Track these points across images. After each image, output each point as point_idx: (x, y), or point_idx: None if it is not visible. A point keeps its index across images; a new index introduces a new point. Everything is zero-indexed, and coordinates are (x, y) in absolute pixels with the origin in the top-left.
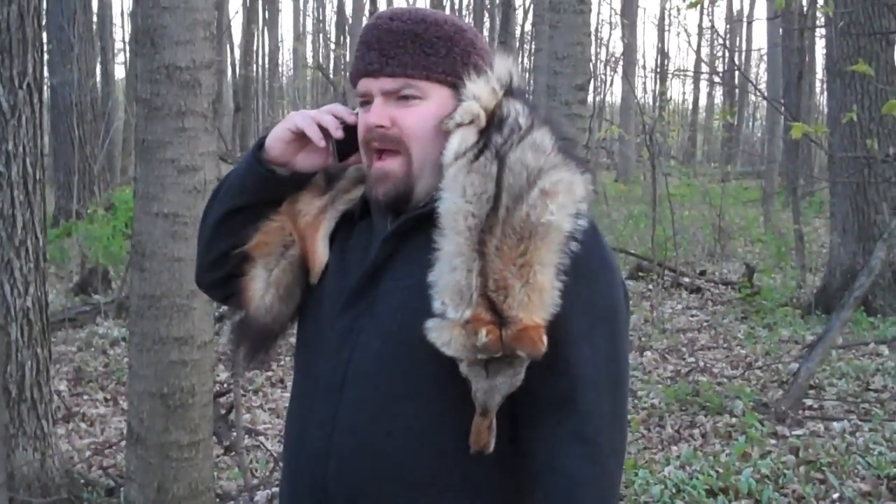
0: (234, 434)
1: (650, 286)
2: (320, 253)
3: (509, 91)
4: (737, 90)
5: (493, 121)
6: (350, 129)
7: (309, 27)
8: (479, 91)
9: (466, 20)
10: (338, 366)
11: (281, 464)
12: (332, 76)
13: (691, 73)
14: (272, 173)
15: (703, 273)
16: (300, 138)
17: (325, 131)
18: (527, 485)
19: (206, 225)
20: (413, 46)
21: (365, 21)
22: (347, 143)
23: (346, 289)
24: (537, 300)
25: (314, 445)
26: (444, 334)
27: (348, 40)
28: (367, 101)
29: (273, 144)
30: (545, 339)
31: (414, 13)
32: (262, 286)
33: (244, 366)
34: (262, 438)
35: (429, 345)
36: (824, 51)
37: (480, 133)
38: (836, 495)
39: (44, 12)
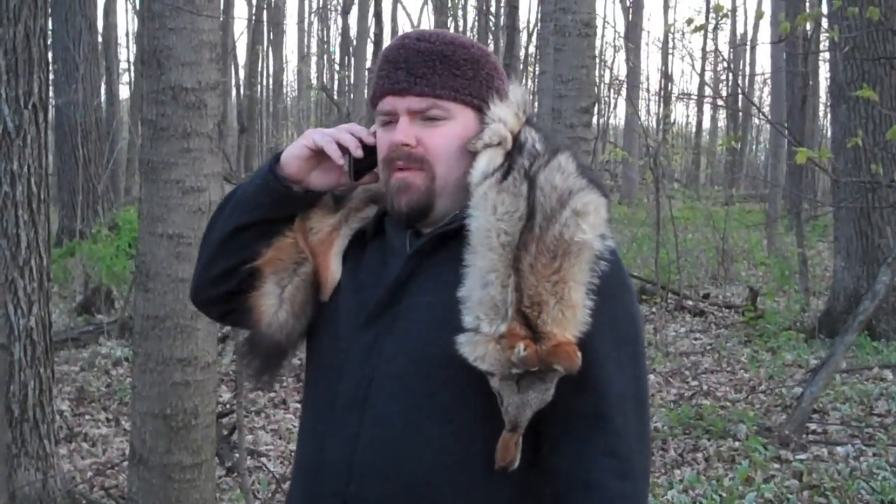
0: (237, 455)
1: (654, 309)
2: (333, 270)
3: (526, 118)
4: (740, 114)
5: (515, 144)
6: (367, 149)
7: (313, 48)
8: (504, 114)
9: None
10: (360, 382)
11: (286, 483)
12: (336, 97)
13: (695, 97)
14: (288, 189)
15: (706, 296)
16: (317, 156)
17: (343, 150)
18: (554, 501)
19: (210, 240)
20: (441, 67)
21: (371, 42)
22: (362, 163)
23: (366, 305)
24: (570, 316)
25: (335, 462)
26: (477, 349)
27: (352, 62)
28: (390, 120)
29: (289, 161)
30: (580, 354)
31: (441, 35)
32: (275, 302)
33: (254, 383)
34: (264, 460)
35: (453, 361)
36: (828, 75)
37: (506, 156)
38: None
39: (49, 33)
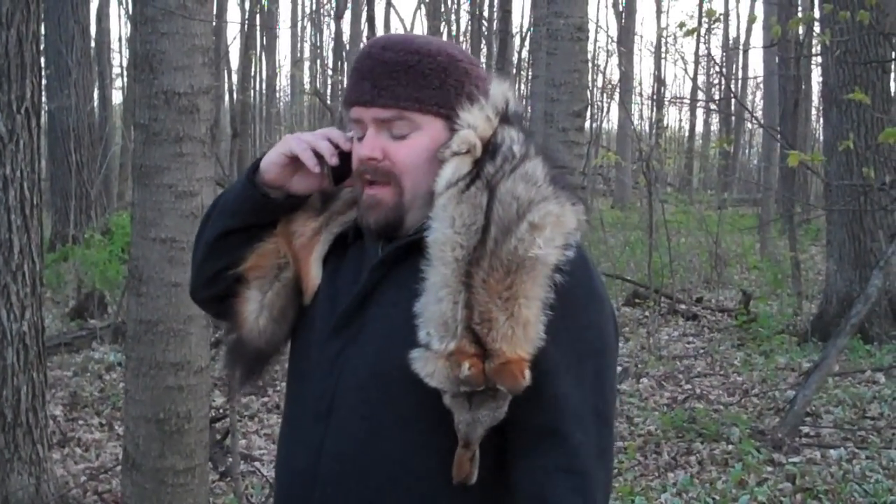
0: (230, 460)
1: (646, 313)
2: (314, 275)
3: (504, 117)
4: (733, 118)
5: (488, 148)
6: (345, 155)
7: (306, 53)
8: (474, 120)
9: (464, 47)
10: (325, 393)
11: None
12: (329, 102)
13: (688, 101)
14: (266, 197)
15: (699, 300)
16: (295, 162)
17: (320, 157)
18: None
19: (199, 244)
20: (406, 78)
21: (362, 45)
22: (343, 167)
23: (335, 314)
24: (521, 334)
25: (301, 471)
26: (428, 365)
27: (345, 66)
28: (360, 129)
29: (268, 168)
30: (528, 373)
31: (407, 43)
32: (256, 308)
33: (239, 388)
34: (257, 464)
35: (410, 374)
36: (820, 79)
37: (475, 163)
38: None
39: (42, 37)
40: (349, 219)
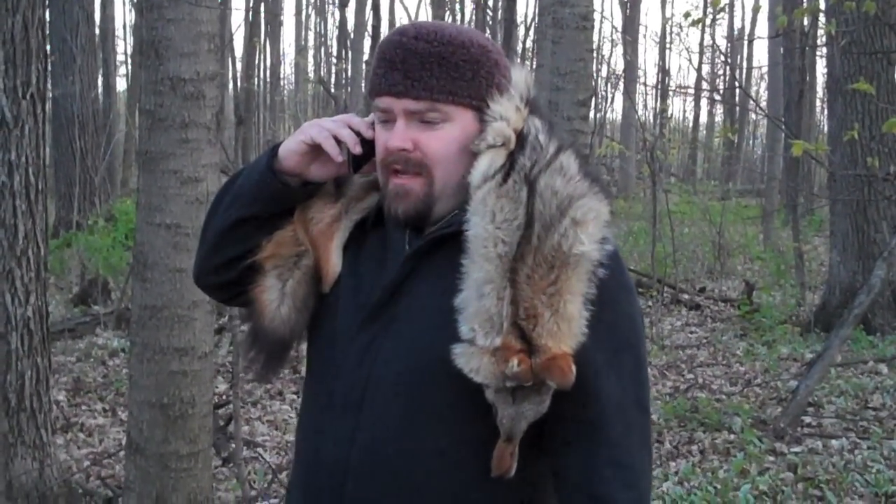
0: (233, 445)
1: (650, 303)
2: (334, 263)
3: (529, 106)
4: (737, 108)
5: (518, 140)
6: (366, 142)
7: (311, 41)
8: (506, 111)
9: None
10: (356, 383)
11: (282, 474)
12: (333, 90)
13: (692, 91)
14: (286, 185)
15: (702, 290)
16: (315, 150)
17: (340, 145)
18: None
19: (211, 229)
20: (439, 70)
21: (368, 35)
22: (362, 154)
23: (364, 304)
24: (566, 329)
25: (331, 462)
26: (472, 361)
27: (350, 55)
28: (387, 119)
29: (287, 156)
30: (574, 368)
31: (440, 33)
32: (277, 297)
33: (258, 377)
34: (260, 450)
35: (450, 365)
36: (825, 69)
37: (508, 155)
38: None
39: (47, 24)
40: (368, 205)
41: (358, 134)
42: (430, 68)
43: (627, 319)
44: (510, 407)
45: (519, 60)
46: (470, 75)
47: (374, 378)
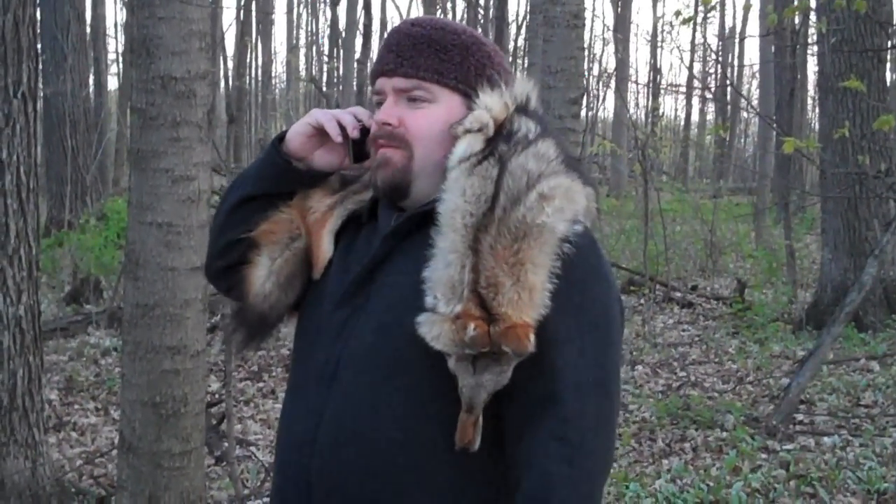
0: (226, 444)
1: (642, 301)
2: (324, 248)
3: (523, 109)
4: (729, 106)
5: (502, 132)
6: (367, 132)
7: (302, 40)
8: (491, 103)
9: None
10: (330, 358)
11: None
12: (324, 88)
13: (684, 89)
14: (289, 164)
15: (694, 288)
16: (320, 134)
17: (343, 130)
18: (512, 484)
19: (220, 212)
20: (428, 51)
21: (360, 34)
22: (364, 147)
23: (345, 283)
24: (527, 299)
25: (300, 436)
26: (434, 328)
27: (341, 53)
28: (381, 100)
29: (293, 137)
30: (533, 338)
31: (436, 21)
32: (264, 274)
33: (238, 352)
34: (253, 449)
35: (419, 339)
36: (816, 68)
37: (487, 142)
38: None
39: (38, 23)
40: (365, 198)
41: (360, 122)
42: (420, 49)
43: (598, 303)
44: (470, 377)
45: (511, 59)
46: (458, 59)
47: (346, 354)
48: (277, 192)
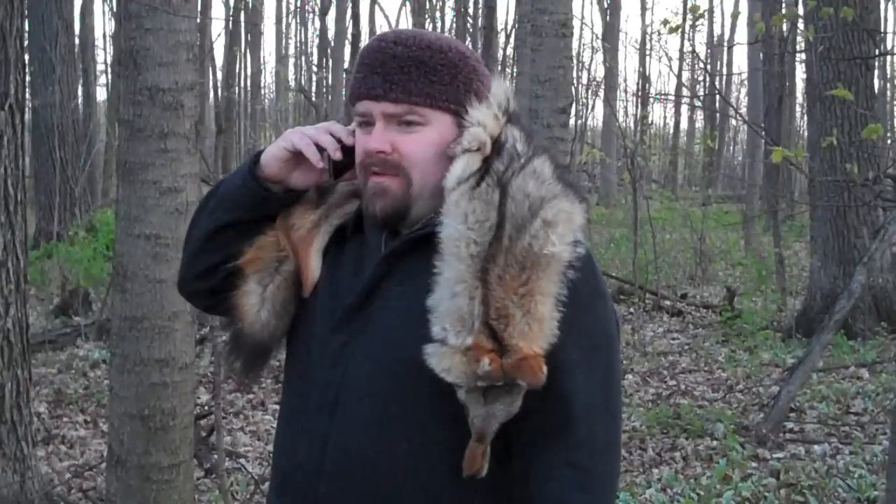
0: (215, 457)
1: (631, 309)
2: (313, 267)
3: (508, 116)
4: (718, 114)
5: (495, 146)
6: (346, 149)
7: (291, 50)
8: (483, 118)
9: None
10: (330, 384)
11: (264, 484)
12: (314, 98)
13: (673, 98)
14: (267, 191)
15: (684, 296)
16: (296, 157)
17: (322, 151)
18: (516, 499)
19: (194, 236)
20: (417, 73)
21: (348, 44)
22: (343, 161)
23: (339, 306)
24: (537, 330)
25: (306, 464)
26: (444, 360)
27: (330, 63)
28: (367, 121)
29: (269, 162)
30: (545, 369)
31: (419, 39)
32: (257, 301)
33: (238, 382)
34: (242, 461)
35: (422, 366)
36: (804, 75)
37: (484, 160)
38: None
39: (26, 34)
40: (348, 211)
41: (339, 141)
42: (408, 72)
43: (600, 324)
44: (481, 407)
45: (499, 68)
46: (448, 79)
47: (347, 379)
48: (257, 217)
